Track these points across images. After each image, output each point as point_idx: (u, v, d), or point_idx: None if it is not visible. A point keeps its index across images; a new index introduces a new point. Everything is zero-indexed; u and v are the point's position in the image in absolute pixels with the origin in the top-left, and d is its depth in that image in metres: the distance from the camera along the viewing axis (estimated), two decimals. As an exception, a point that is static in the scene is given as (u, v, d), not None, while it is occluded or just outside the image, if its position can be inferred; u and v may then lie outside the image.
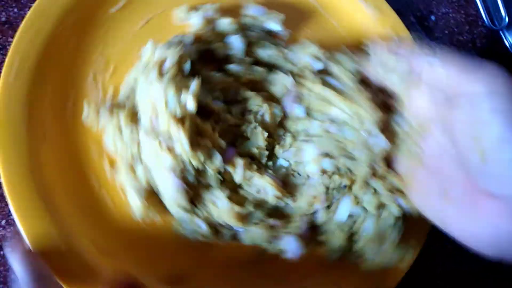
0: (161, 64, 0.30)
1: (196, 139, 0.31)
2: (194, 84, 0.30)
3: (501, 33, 0.47)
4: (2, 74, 0.31)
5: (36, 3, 0.33)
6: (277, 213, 0.34)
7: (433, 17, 0.47)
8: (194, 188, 0.31)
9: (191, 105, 0.29)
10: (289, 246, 0.32)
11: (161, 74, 0.30)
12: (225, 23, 0.34)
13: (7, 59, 0.31)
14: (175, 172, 0.30)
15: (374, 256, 0.33)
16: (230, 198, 0.32)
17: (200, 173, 0.31)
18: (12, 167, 0.30)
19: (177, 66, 0.31)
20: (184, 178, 0.30)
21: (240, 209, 0.32)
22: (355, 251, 0.34)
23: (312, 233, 0.34)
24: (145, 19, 0.36)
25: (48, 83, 0.32)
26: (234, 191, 0.33)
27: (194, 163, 0.30)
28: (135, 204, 0.31)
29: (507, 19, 0.46)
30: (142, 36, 0.35)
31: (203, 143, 0.31)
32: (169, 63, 0.30)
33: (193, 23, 0.34)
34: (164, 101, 0.29)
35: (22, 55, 0.31)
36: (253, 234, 0.32)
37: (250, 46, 0.35)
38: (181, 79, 0.31)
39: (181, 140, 0.29)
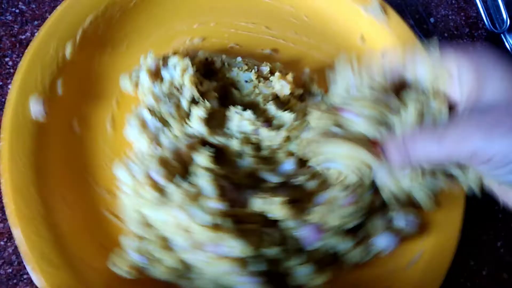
0: (152, 183, 0.28)
1: (240, 228, 0.28)
2: (208, 186, 0.28)
3: (502, 36, 0.45)
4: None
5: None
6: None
7: (432, 20, 0.45)
8: (268, 275, 0.29)
9: (217, 205, 0.28)
10: (383, 243, 0.32)
11: (162, 193, 0.28)
12: (175, 61, 0.32)
13: None
14: (246, 273, 0.28)
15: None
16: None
17: (271, 260, 0.29)
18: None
19: (167, 170, 0.28)
20: (253, 273, 0.28)
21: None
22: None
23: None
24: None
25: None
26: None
27: (253, 252, 0.28)
28: None
29: (508, 22, 0.44)
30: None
31: (250, 227, 0.29)
32: (155, 174, 0.28)
33: (142, 79, 0.32)
34: (189, 217, 0.27)
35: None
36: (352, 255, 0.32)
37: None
38: (185, 184, 0.29)
39: (230, 244, 0.27)
